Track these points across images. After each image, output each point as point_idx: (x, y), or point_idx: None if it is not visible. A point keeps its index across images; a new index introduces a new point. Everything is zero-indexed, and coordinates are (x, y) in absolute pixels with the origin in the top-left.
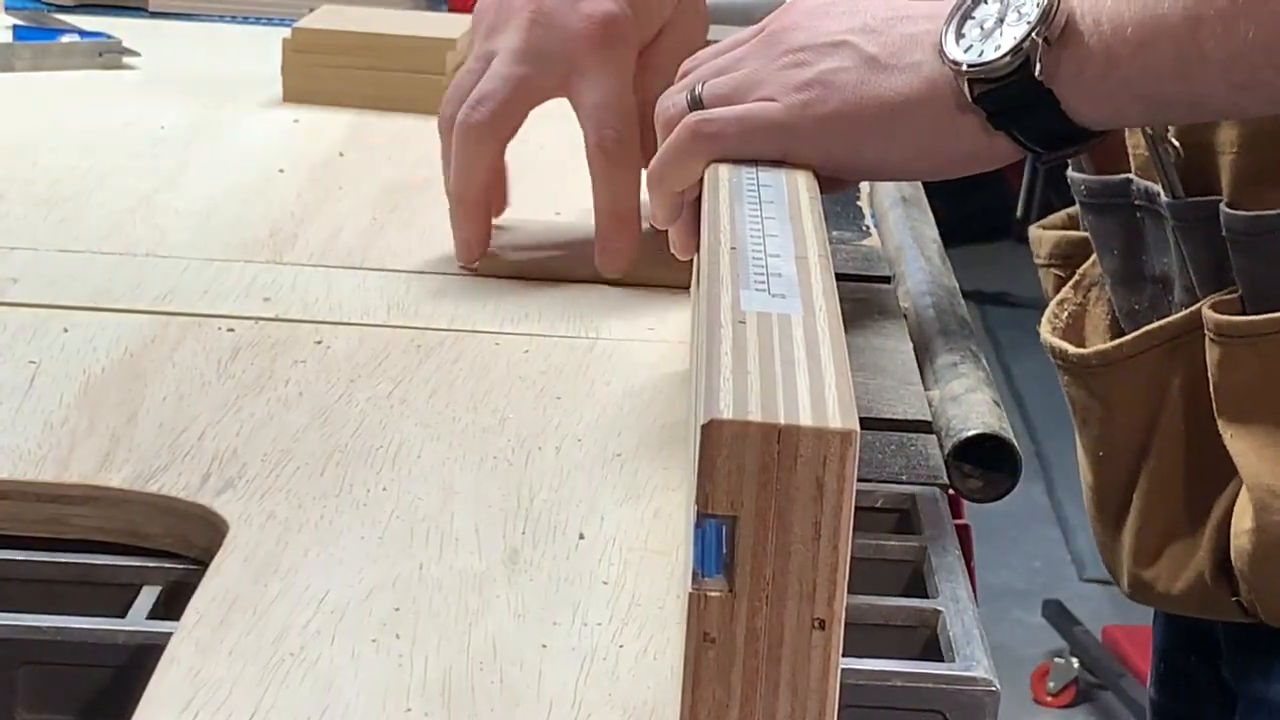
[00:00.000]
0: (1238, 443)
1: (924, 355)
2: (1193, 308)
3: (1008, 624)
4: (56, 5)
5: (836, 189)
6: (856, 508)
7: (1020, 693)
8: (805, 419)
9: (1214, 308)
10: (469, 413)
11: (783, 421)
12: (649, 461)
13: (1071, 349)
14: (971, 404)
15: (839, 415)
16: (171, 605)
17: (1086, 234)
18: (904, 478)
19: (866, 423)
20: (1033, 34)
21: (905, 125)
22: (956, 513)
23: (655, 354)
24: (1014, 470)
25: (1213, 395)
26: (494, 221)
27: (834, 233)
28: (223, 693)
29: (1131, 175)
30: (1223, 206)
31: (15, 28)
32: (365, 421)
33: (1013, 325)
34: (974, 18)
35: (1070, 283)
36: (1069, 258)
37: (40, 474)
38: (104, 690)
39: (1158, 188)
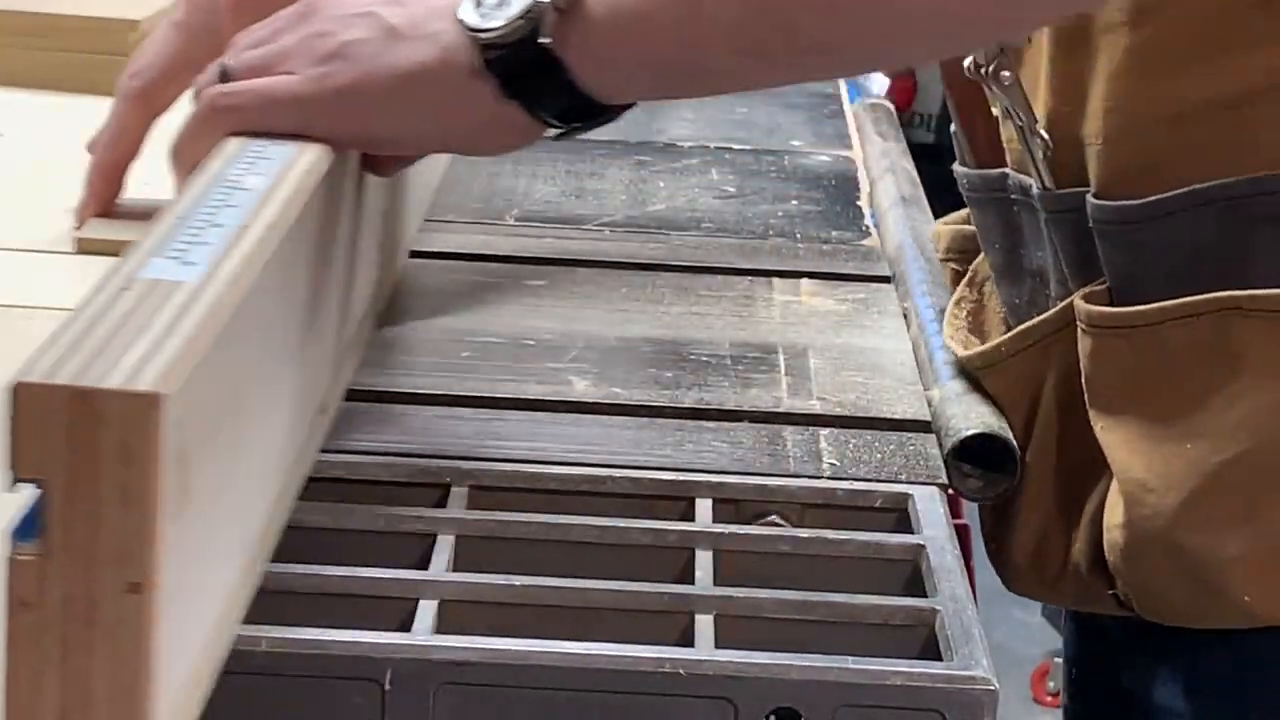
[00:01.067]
0: (1108, 435)
1: (924, 355)
2: (1063, 303)
3: (1008, 624)
4: None
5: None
6: (856, 507)
7: (1020, 693)
8: (113, 382)
9: (1085, 299)
10: None
11: (88, 385)
12: None
13: (961, 350)
14: (971, 404)
15: (156, 380)
16: None
17: None
18: (903, 477)
19: (866, 422)
20: None
21: (418, 95)
22: (956, 512)
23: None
24: (1014, 470)
25: (1085, 387)
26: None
27: (834, 233)
28: None
29: (1008, 170)
30: (1089, 197)
31: None
32: None
33: None
34: None
35: (965, 279)
36: (964, 252)
37: None
38: None
39: (1031, 181)
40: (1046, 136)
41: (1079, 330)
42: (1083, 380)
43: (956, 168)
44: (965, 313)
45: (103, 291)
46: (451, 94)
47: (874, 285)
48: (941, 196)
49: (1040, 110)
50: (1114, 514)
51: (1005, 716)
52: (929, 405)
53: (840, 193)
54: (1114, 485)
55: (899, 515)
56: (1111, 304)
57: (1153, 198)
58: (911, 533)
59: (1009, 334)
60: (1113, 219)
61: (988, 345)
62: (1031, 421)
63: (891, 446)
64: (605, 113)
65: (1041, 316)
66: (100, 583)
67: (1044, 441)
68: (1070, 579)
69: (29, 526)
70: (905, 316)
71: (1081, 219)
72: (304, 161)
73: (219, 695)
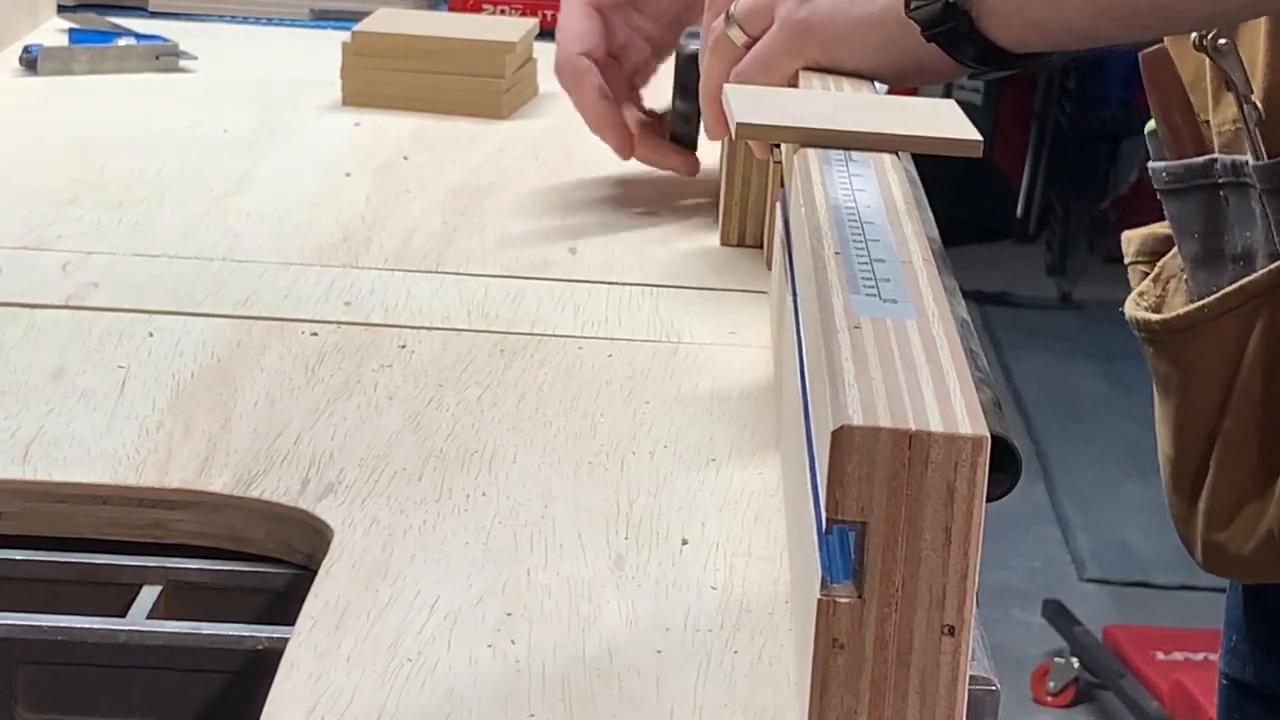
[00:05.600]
0: None
1: None
2: (1273, 265)
3: (1008, 624)
4: (62, 5)
5: None
6: None
7: (1020, 693)
8: (936, 425)
9: None
10: (560, 417)
11: (913, 427)
12: (743, 467)
13: (1155, 317)
14: None
15: (968, 421)
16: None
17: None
18: None
19: None
20: None
21: (866, 37)
22: None
23: (740, 358)
24: (1014, 470)
25: None
26: None
27: None
28: (345, 699)
29: (1215, 155)
30: None
31: (70, 31)
32: (457, 426)
33: (1013, 325)
34: None
35: (1150, 276)
36: (1154, 253)
37: (141, 479)
38: (104, 690)
39: (1245, 158)
40: (1260, 105)
41: None
42: None
43: (1153, 164)
44: (1146, 306)
45: (838, 331)
46: (889, 36)
47: None
48: (942, 197)
49: (1257, 84)
50: None
51: (1005, 716)
52: None
53: None
54: None
55: None
56: None
57: None
58: None
59: (1214, 296)
60: None
61: (1190, 307)
62: (1230, 388)
63: None
64: (1016, 61)
65: (1249, 278)
66: (916, 625)
67: (1244, 407)
68: (1263, 547)
69: (841, 568)
70: None
71: None
72: (898, 192)
73: None
